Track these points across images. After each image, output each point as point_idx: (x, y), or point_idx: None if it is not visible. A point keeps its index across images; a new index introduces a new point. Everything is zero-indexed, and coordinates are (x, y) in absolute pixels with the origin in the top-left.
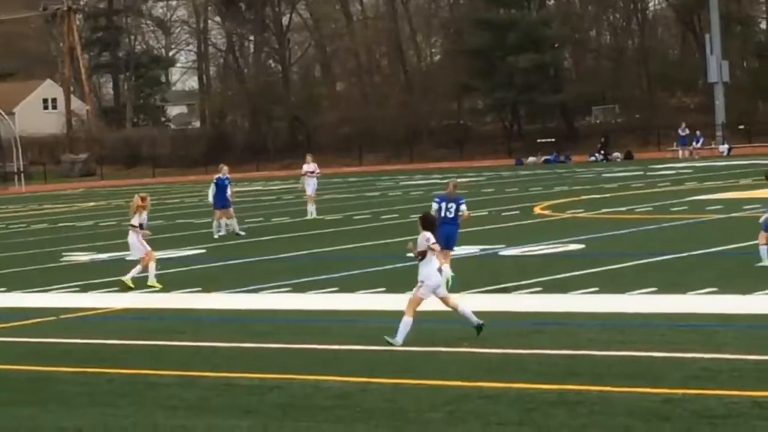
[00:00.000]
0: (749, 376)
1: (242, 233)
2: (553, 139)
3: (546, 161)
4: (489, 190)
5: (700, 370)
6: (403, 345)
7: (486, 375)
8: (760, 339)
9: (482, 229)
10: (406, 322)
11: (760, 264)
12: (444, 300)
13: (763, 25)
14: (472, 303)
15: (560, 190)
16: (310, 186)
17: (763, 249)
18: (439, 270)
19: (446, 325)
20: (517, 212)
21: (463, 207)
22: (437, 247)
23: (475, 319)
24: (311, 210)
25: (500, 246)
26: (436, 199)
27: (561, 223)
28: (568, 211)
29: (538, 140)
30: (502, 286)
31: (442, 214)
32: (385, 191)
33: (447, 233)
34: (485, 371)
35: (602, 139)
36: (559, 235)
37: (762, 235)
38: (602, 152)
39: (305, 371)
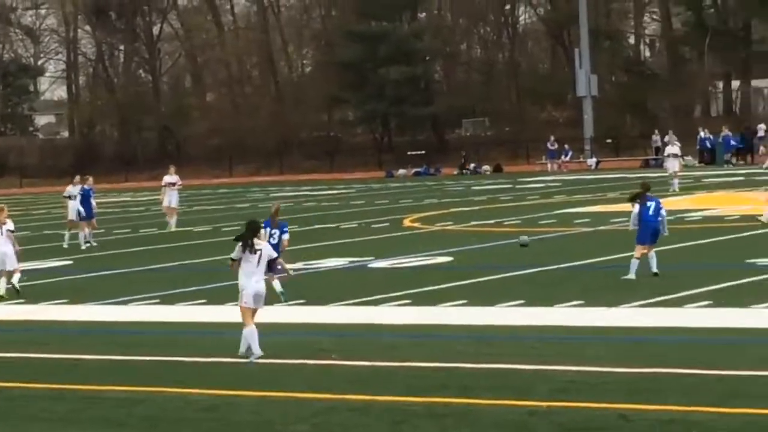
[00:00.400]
0: (616, 389)
1: (94, 244)
2: (423, 152)
3: (416, 173)
4: (359, 202)
5: (567, 383)
6: (273, 357)
7: (354, 387)
8: (626, 351)
9: (352, 242)
10: (248, 332)
11: (625, 277)
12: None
13: (631, 40)
14: (341, 315)
15: (430, 202)
16: (173, 198)
17: (634, 263)
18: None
19: (314, 337)
20: (387, 224)
21: (285, 236)
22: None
23: (255, 348)
24: (172, 222)
25: (370, 258)
26: (263, 223)
27: (430, 235)
28: (438, 224)
29: (409, 152)
30: (372, 298)
31: (267, 239)
32: (255, 203)
33: None
34: (354, 384)
35: (463, 154)
36: (429, 248)
37: (638, 248)
38: (464, 168)
39: (174, 384)
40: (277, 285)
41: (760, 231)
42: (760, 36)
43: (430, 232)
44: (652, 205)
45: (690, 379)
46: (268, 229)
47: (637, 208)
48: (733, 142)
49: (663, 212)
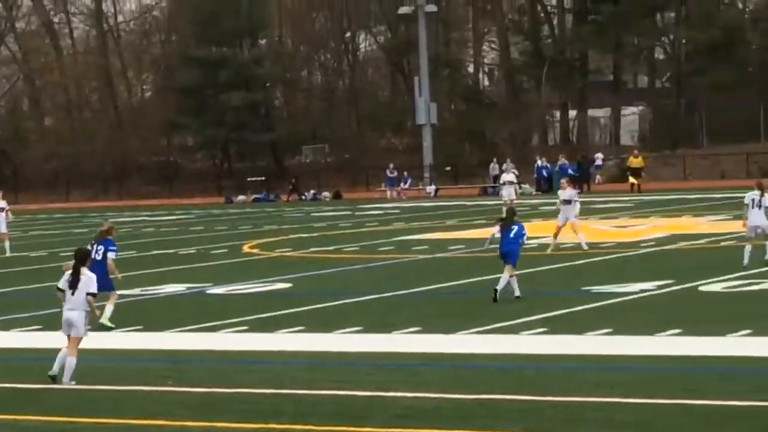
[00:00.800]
0: (451, 415)
1: None
2: (263, 178)
3: (256, 200)
4: (198, 227)
5: (402, 409)
6: (109, 383)
7: (189, 413)
8: (461, 378)
9: (190, 267)
10: (61, 355)
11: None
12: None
13: (470, 69)
14: (178, 341)
15: (269, 228)
16: (1, 224)
17: (512, 280)
18: None
19: (151, 363)
20: (226, 250)
21: (110, 254)
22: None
23: (65, 376)
24: (6, 247)
25: (208, 284)
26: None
27: (269, 261)
28: (277, 250)
29: (249, 179)
30: (209, 324)
31: (92, 256)
32: (93, 228)
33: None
34: (188, 410)
35: (293, 181)
36: (267, 274)
37: (507, 267)
38: (291, 195)
39: (6, 410)
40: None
41: (597, 258)
42: (596, 66)
43: (269, 258)
44: (515, 229)
45: (524, 405)
46: (95, 245)
47: (497, 229)
48: (570, 171)
49: (524, 238)
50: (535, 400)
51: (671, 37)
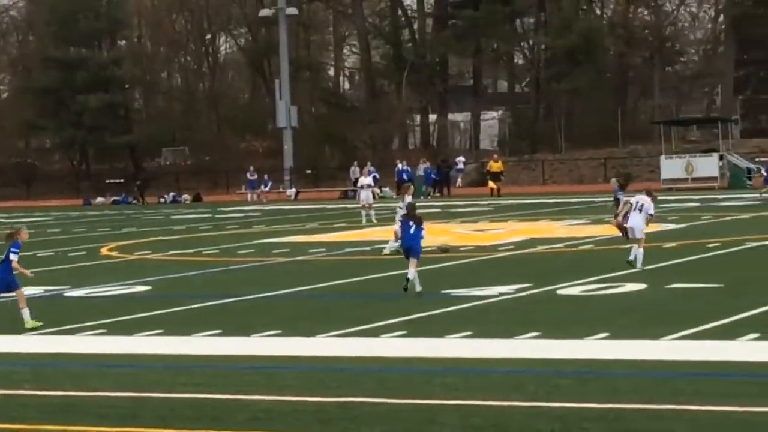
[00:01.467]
0: (309, 418)
1: None
2: (122, 180)
3: (115, 202)
4: (56, 230)
5: (261, 412)
6: None
7: (47, 417)
8: (320, 381)
9: (47, 270)
10: None
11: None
12: None
13: (331, 72)
14: (35, 345)
15: (128, 231)
16: None
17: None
18: None
19: (7, 367)
20: (84, 253)
21: (12, 255)
22: None
23: None
24: None
25: (65, 287)
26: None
27: (128, 264)
28: (136, 253)
29: (107, 181)
30: (67, 327)
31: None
32: None
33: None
34: (46, 414)
35: (138, 183)
36: (126, 277)
37: (412, 262)
38: (139, 196)
39: None
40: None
41: (456, 262)
42: (456, 71)
43: (128, 261)
44: (414, 225)
45: (384, 408)
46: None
47: (397, 225)
48: (432, 175)
49: (423, 233)
50: (395, 403)
51: (531, 42)
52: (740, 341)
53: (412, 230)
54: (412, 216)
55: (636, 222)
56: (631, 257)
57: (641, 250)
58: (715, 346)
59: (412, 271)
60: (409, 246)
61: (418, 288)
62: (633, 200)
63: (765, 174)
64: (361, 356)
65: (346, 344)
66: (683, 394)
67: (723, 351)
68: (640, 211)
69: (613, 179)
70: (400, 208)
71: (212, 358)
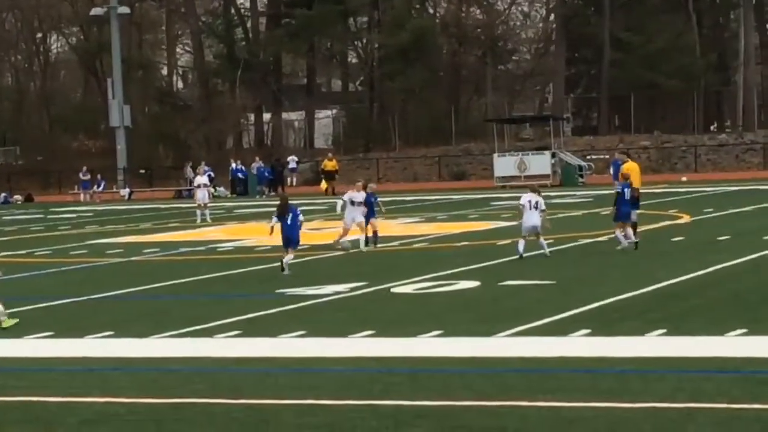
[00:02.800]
0: (144, 419)
1: None
2: None
3: None
4: None
5: (94, 414)
6: None
7: None
8: (154, 382)
9: None
10: None
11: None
12: None
13: (164, 71)
14: None
15: None
16: None
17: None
18: None
19: None
20: None
21: None
22: None
23: None
24: None
25: None
26: None
27: None
28: None
29: None
30: None
31: None
32: None
33: None
34: None
35: None
36: None
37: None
38: None
39: None
40: None
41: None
42: (290, 70)
43: None
44: (290, 216)
45: (218, 408)
46: None
47: (274, 220)
48: (266, 174)
49: (300, 219)
50: (229, 404)
51: (364, 41)
52: (571, 337)
53: (289, 221)
54: (283, 208)
55: (536, 219)
56: (546, 251)
57: (543, 240)
58: (547, 342)
59: (288, 258)
60: (289, 236)
61: (287, 271)
62: (524, 200)
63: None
64: (194, 356)
65: (180, 345)
66: (515, 390)
67: (554, 347)
68: (536, 208)
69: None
70: (352, 203)
71: (44, 361)
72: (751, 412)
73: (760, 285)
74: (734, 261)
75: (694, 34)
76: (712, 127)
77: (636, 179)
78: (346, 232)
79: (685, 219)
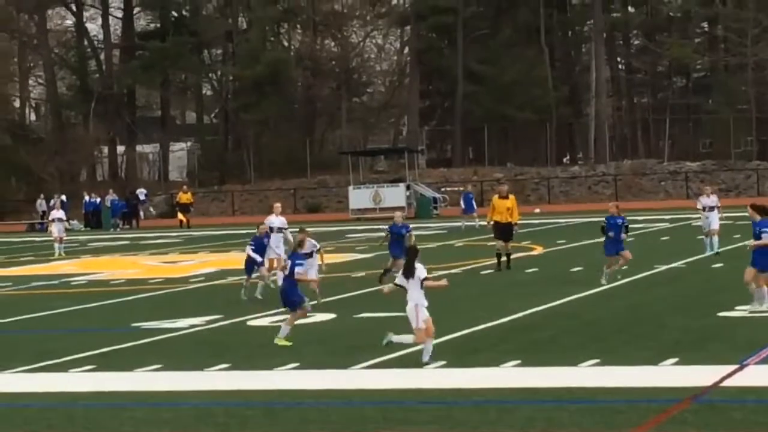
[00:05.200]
0: None
1: None
2: None
3: None
4: None
5: None
6: None
7: None
8: (5, 417)
9: None
10: None
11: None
12: None
13: (17, 103)
14: None
15: None
16: None
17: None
18: None
19: None
20: None
21: None
22: None
23: None
24: None
25: None
26: None
27: None
28: None
29: None
30: None
31: None
32: None
33: None
34: None
35: None
36: None
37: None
38: None
39: None
40: None
41: (146, 294)
42: (144, 102)
43: None
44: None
45: None
46: None
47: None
48: (120, 207)
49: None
50: None
51: (218, 73)
52: (427, 369)
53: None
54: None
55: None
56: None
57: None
58: (403, 374)
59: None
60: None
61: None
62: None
63: (463, 205)
64: (48, 392)
65: (33, 379)
66: (372, 421)
67: (411, 379)
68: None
69: (398, 213)
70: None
71: None
72: None
73: (612, 316)
74: (587, 292)
75: (546, 67)
76: (564, 159)
77: (515, 212)
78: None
79: (539, 250)
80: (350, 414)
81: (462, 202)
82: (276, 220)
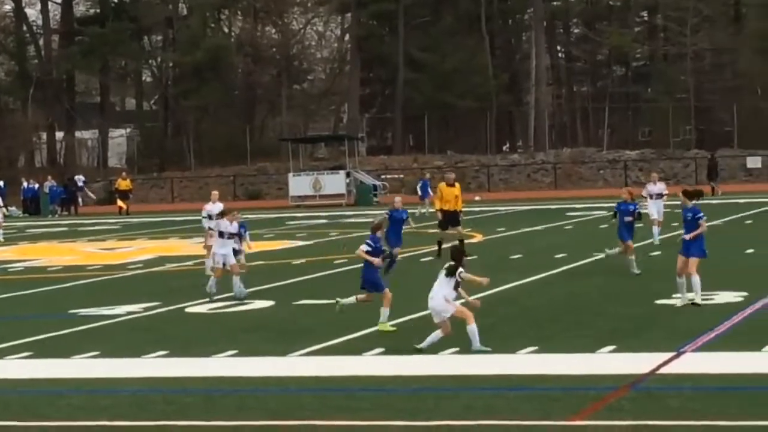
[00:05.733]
0: None
1: None
2: None
3: None
4: None
5: None
6: None
7: None
8: None
9: None
10: None
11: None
12: None
13: None
14: None
15: None
16: None
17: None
18: None
19: None
20: None
21: None
22: None
23: None
24: None
25: None
26: None
27: None
28: None
29: None
30: None
31: None
32: None
33: None
34: None
35: None
36: None
37: None
38: None
39: None
40: None
41: (84, 281)
42: (84, 88)
43: None
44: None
45: (8, 431)
46: None
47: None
48: (59, 193)
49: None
50: (20, 426)
51: (158, 59)
52: (366, 356)
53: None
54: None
55: None
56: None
57: None
58: (341, 361)
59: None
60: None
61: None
62: None
63: (420, 192)
64: None
65: None
66: (309, 408)
67: (349, 366)
68: None
69: (398, 198)
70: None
71: None
72: (542, 428)
73: (551, 303)
74: (526, 279)
75: (486, 55)
76: (504, 147)
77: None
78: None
79: (478, 238)
80: (288, 401)
81: (419, 189)
82: (214, 207)
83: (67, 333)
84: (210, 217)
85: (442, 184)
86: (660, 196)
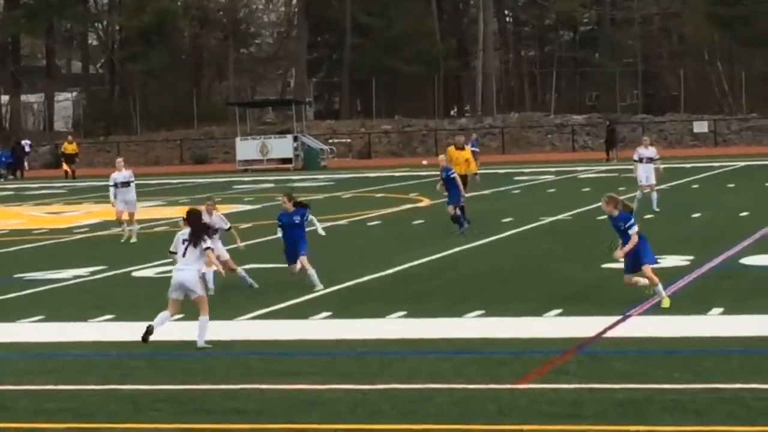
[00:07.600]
0: None
1: None
2: None
3: None
4: None
5: None
6: None
7: None
8: None
9: None
10: None
11: None
12: None
13: None
14: None
15: None
16: None
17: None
18: None
19: None
20: None
21: None
22: None
23: None
24: None
25: None
26: None
27: None
28: None
29: None
30: None
31: None
32: None
33: None
34: None
35: None
36: None
37: None
38: None
39: None
40: None
41: (30, 245)
42: (29, 51)
43: None
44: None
45: None
46: None
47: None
48: (5, 158)
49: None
50: None
51: (105, 23)
52: (312, 320)
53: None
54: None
55: None
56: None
57: None
58: (288, 325)
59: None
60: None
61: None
62: None
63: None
64: None
65: None
66: (255, 372)
67: (295, 330)
68: None
69: (442, 156)
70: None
71: None
72: (487, 392)
73: (497, 268)
74: (472, 244)
75: (434, 20)
76: (452, 112)
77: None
78: None
79: (425, 202)
80: (234, 365)
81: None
82: (119, 175)
83: (13, 297)
84: (116, 185)
85: (451, 148)
86: (651, 160)
